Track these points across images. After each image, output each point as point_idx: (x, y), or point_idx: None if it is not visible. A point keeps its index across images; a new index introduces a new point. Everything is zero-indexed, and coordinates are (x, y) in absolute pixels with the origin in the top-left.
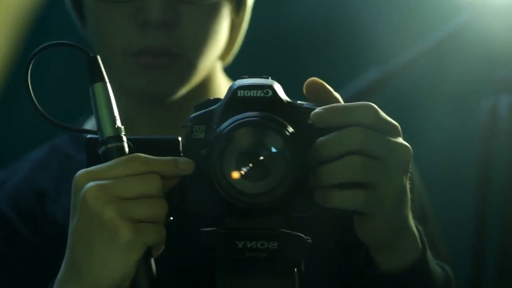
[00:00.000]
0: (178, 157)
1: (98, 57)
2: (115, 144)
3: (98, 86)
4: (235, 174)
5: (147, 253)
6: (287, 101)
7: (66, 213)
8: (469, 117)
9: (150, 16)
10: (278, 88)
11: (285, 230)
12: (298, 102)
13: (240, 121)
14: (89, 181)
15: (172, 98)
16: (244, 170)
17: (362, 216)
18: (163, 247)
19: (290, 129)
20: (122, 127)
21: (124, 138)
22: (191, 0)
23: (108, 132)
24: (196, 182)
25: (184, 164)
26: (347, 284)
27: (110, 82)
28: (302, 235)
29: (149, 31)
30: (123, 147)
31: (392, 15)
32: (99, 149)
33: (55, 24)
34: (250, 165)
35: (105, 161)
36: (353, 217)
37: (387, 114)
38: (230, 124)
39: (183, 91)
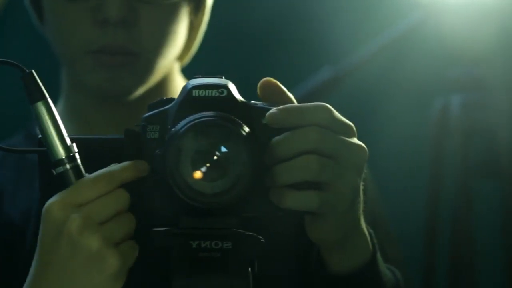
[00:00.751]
0: (135, 160)
1: (34, 72)
2: (71, 164)
3: (39, 105)
4: (192, 174)
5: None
6: (242, 101)
7: (23, 215)
8: (422, 116)
9: (108, 14)
10: (233, 87)
11: (239, 230)
12: (252, 102)
13: (195, 121)
14: (65, 211)
15: (130, 97)
16: (200, 170)
17: (314, 216)
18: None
19: (246, 129)
20: (74, 144)
21: (77, 156)
22: (149, 0)
23: (60, 153)
24: (150, 182)
25: (142, 166)
26: (301, 284)
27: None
28: (256, 235)
29: (107, 29)
30: (79, 167)
31: (346, 14)
32: (54, 170)
33: (13, 22)
34: (207, 165)
35: (63, 182)
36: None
37: (341, 113)
38: (186, 124)
39: (140, 90)
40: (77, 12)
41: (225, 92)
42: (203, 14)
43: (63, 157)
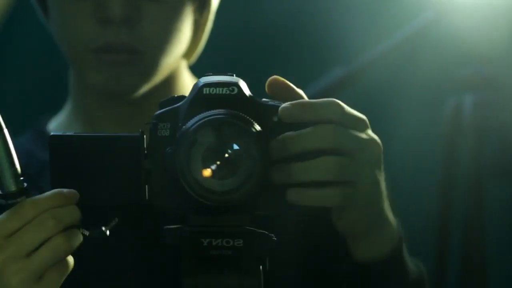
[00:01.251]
0: (62, 189)
1: None
2: (18, 199)
3: None
4: (203, 172)
5: None
6: (253, 99)
7: None
8: (434, 115)
9: (111, 12)
10: (244, 85)
11: (250, 228)
12: (263, 99)
13: (206, 119)
14: None
15: (133, 95)
16: (210, 168)
17: (336, 209)
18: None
19: (256, 127)
20: (22, 179)
21: (26, 191)
22: None
23: (11, 186)
24: (161, 180)
25: (71, 194)
26: (312, 281)
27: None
28: (267, 232)
29: (111, 27)
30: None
31: (359, 13)
32: (4, 201)
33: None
34: (217, 162)
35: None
36: (319, 216)
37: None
38: (196, 122)
39: (144, 88)
40: (80, 9)
41: (236, 90)
42: (208, 12)
43: (13, 191)
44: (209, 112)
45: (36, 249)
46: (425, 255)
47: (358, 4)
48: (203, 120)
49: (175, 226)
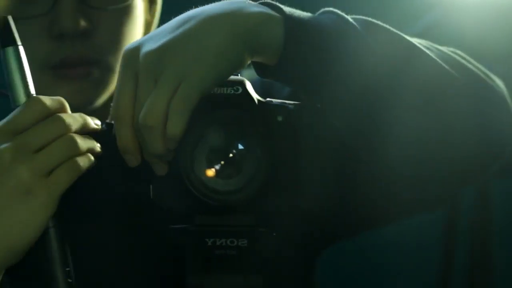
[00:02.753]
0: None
1: (10, 18)
2: None
3: (9, 50)
4: (207, 172)
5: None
6: (257, 99)
7: None
8: None
9: (64, 27)
10: (248, 85)
11: (255, 227)
12: (268, 99)
13: (210, 119)
14: (3, 138)
15: (93, 106)
16: (215, 168)
17: None
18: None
19: (260, 127)
20: (33, 93)
21: None
22: (103, 6)
23: (22, 99)
24: (165, 180)
25: (92, 123)
26: (311, 271)
27: None
28: (271, 232)
29: (65, 42)
30: None
31: (363, 13)
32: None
33: None
34: (221, 162)
35: None
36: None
37: None
38: (201, 121)
39: (104, 97)
40: (32, 29)
41: (240, 90)
42: (155, 10)
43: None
44: (214, 112)
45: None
46: (432, 256)
47: (361, 5)
48: (207, 121)
49: (180, 226)
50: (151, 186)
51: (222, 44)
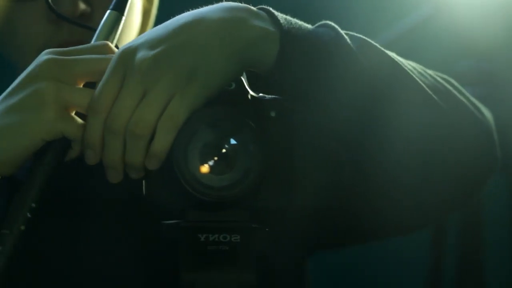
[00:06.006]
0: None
1: None
2: None
3: (112, 13)
4: (200, 168)
5: (62, 141)
6: (250, 94)
7: None
8: None
9: (63, 10)
10: (242, 80)
11: (248, 223)
12: (261, 94)
13: (203, 115)
14: (54, 53)
15: None
16: (208, 164)
17: None
18: (80, 145)
19: (253, 122)
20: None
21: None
22: None
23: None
24: (159, 175)
25: None
26: (304, 271)
27: None
28: (264, 227)
29: (63, 25)
30: None
31: (356, 8)
32: None
33: None
34: (215, 158)
35: None
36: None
37: None
38: (193, 117)
39: None
40: (31, 13)
41: (234, 85)
42: None
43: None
44: (207, 107)
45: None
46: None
47: (355, 1)
48: (200, 116)
49: (172, 222)
50: (143, 182)
51: (219, 61)
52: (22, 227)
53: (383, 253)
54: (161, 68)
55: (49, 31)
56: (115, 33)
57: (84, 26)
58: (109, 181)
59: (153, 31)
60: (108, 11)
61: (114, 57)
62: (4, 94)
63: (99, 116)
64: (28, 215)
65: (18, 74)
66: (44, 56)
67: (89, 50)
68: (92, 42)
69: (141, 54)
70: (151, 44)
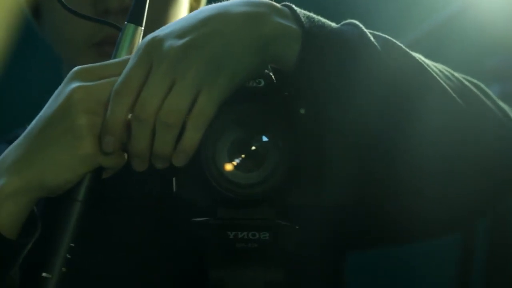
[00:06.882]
0: None
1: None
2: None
3: (130, 26)
4: (228, 165)
5: (98, 171)
6: (279, 91)
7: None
8: None
9: (109, 3)
10: (271, 77)
11: (277, 221)
12: (290, 91)
13: (232, 112)
14: (83, 78)
15: None
16: (236, 161)
17: None
18: (116, 171)
19: (282, 120)
20: None
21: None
22: None
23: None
24: (188, 172)
25: None
26: (334, 271)
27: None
28: (293, 225)
29: (109, 19)
30: None
31: (386, 5)
32: None
33: None
34: (243, 155)
35: None
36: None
37: None
38: (223, 114)
39: None
40: (78, 6)
41: (263, 82)
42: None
43: None
44: (236, 104)
45: None
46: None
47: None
48: (229, 113)
49: (202, 219)
50: (174, 179)
51: (244, 54)
52: (64, 269)
53: (411, 256)
54: (191, 57)
55: (95, 25)
56: (136, 47)
57: (109, 24)
58: (136, 171)
59: (177, 22)
60: (125, 24)
61: (139, 45)
62: (40, 122)
63: (124, 100)
64: (68, 256)
65: (62, 68)
66: (72, 84)
67: (115, 68)
68: (112, 57)
69: (169, 43)
70: (179, 33)
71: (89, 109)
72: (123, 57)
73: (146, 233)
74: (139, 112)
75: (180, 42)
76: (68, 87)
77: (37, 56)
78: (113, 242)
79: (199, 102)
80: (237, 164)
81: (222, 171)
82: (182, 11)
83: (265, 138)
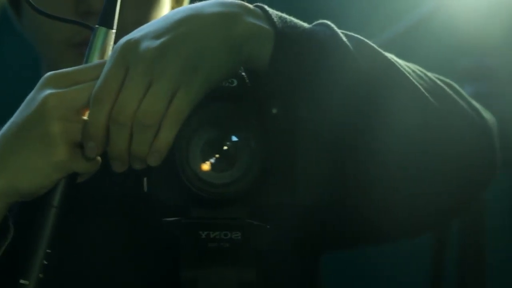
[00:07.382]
0: None
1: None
2: None
3: (101, 29)
4: (201, 165)
5: (72, 176)
6: (252, 91)
7: None
8: None
9: (91, 5)
10: (243, 77)
11: (248, 220)
12: (262, 91)
13: (204, 112)
14: (56, 85)
15: None
16: (209, 161)
17: None
18: (90, 175)
19: (254, 119)
20: None
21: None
22: None
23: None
24: (161, 172)
25: None
26: (308, 272)
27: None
28: (265, 225)
29: (90, 20)
30: None
31: (357, 5)
32: None
33: None
34: (216, 155)
35: None
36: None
37: None
38: (195, 115)
39: None
40: (59, 5)
41: (235, 82)
42: (183, 0)
43: None
44: (208, 105)
45: None
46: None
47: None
48: (202, 113)
49: (173, 219)
50: (145, 179)
51: (219, 54)
52: (41, 275)
53: (383, 255)
54: (167, 58)
55: (73, 27)
56: (108, 50)
57: (82, 24)
58: (114, 171)
59: (152, 24)
60: (96, 27)
61: (115, 48)
62: (13, 127)
63: (103, 106)
64: (45, 262)
65: (42, 66)
66: (45, 90)
67: (88, 72)
68: (84, 62)
69: (145, 45)
70: (154, 35)
71: (62, 116)
72: (96, 61)
73: (121, 234)
74: (117, 115)
75: (156, 43)
76: (41, 93)
77: (16, 52)
78: (86, 242)
79: (175, 102)
80: (210, 163)
81: (195, 171)
82: (163, 12)
83: (237, 138)
